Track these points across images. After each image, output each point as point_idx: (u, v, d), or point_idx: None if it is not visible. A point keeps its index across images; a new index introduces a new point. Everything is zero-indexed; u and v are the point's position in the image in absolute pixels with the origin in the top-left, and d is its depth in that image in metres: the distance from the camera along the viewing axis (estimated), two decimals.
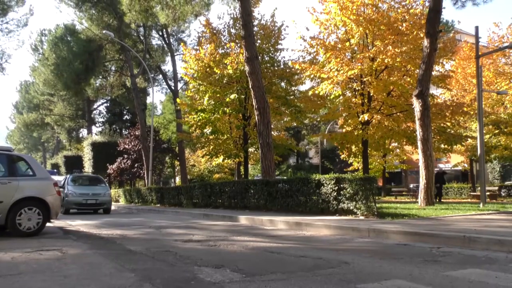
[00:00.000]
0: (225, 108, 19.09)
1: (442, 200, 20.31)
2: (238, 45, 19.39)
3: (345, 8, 18.14)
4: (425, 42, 13.16)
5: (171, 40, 33.53)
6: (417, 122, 13.42)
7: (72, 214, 16.69)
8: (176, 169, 45.09)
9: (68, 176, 18.69)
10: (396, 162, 33.73)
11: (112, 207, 19.41)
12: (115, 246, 6.42)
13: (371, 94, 19.34)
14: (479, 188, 18.94)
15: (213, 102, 19.49)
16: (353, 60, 18.73)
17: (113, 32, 25.69)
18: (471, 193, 26.40)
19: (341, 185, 10.28)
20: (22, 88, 59.76)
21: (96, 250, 5.87)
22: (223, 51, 20.45)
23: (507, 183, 32.92)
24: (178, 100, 23.37)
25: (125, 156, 31.40)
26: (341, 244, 6.51)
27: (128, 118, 45.89)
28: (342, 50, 19.14)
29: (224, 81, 19.47)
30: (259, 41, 19.41)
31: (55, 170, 30.18)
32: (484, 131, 20.60)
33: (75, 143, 48.17)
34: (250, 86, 14.59)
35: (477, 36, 15.47)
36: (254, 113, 15.58)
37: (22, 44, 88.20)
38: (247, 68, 14.41)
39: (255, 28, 19.07)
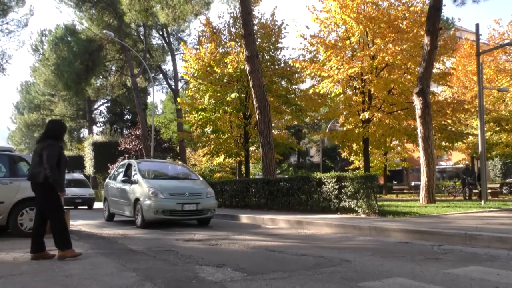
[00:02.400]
0: (226, 107, 19.08)
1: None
2: (239, 44, 19.38)
3: (345, 6, 18.12)
4: (426, 40, 13.13)
5: (171, 40, 33.53)
6: (418, 120, 13.40)
7: (72, 213, 16.63)
8: None
9: (132, 163, 11.13)
10: (397, 160, 33.70)
11: None
12: (116, 246, 6.43)
13: (372, 92, 19.32)
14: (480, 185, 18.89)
15: (213, 101, 19.48)
16: (354, 58, 18.70)
17: (113, 32, 25.68)
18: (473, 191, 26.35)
19: (342, 184, 10.28)
20: (23, 89, 59.76)
21: (97, 250, 5.88)
22: (223, 50, 20.45)
23: (508, 180, 32.87)
24: (178, 99, 23.36)
25: (126, 155, 31.35)
26: (343, 243, 6.52)
27: (129, 117, 45.90)
28: (343, 49, 19.11)
29: (225, 80, 19.46)
30: (259, 40, 19.40)
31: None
32: (485, 129, 20.56)
33: (76, 143, 48.16)
34: (251, 85, 14.59)
35: (477, 33, 15.43)
36: (254, 112, 15.58)
37: (22, 45, 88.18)
38: (247, 67, 14.40)
39: (255, 27, 19.05)
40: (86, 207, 21.88)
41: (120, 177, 11.12)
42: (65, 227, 5.03)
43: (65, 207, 17.03)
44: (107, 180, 12.60)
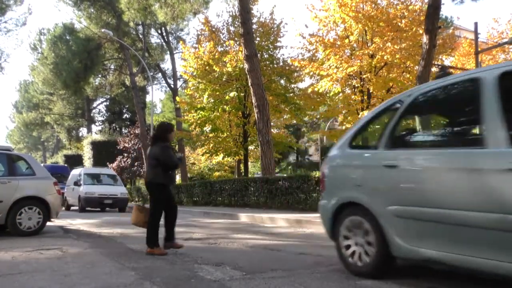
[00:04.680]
0: (225, 106, 19.08)
1: None
2: (237, 42, 19.36)
3: (344, 5, 18.11)
4: (424, 39, 13.12)
5: (170, 38, 33.48)
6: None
7: (72, 213, 16.64)
8: None
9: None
10: None
11: None
12: (115, 245, 6.43)
13: (371, 91, 19.32)
14: None
15: (212, 100, 19.48)
16: (353, 57, 18.70)
17: (112, 31, 25.65)
18: None
19: None
20: (22, 88, 59.67)
21: (96, 249, 5.87)
22: (222, 49, 20.43)
23: None
24: (177, 98, 23.37)
25: (125, 154, 31.37)
26: None
27: (127, 116, 45.85)
28: (341, 47, 19.11)
29: (224, 79, 19.45)
30: (258, 39, 19.38)
31: (66, 165, 28.50)
32: None
33: (75, 142, 48.10)
34: (250, 84, 14.58)
35: (476, 32, 15.46)
36: (253, 111, 15.58)
37: (21, 44, 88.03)
38: (246, 66, 14.39)
39: (254, 26, 19.04)
40: (116, 209, 17.78)
41: None
42: (156, 226, 5.37)
43: (87, 209, 16.07)
44: None
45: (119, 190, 17.83)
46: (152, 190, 5.49)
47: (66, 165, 28.67)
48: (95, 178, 18.62)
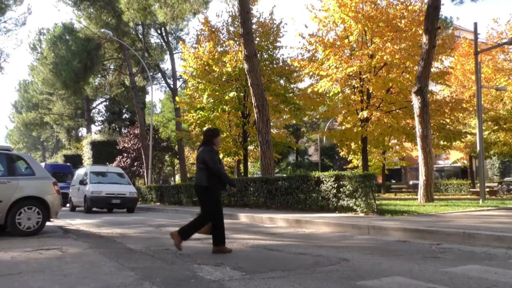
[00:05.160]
0: (224, 106, 19.08)
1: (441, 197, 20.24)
2: (237, 43, 19.37)
3: (343, 5, 18.14)
4: (424, 39, 13.15)
5: (170, 39, 33.46)
6: (416, 119, 13.42)
7: (76, 213, 16.61)
8: (175, 168, 45.12)
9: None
10: (395, 159, 33.78)
11: None
12: (115, 245, 6.42)
13: (370, 91, 19.34)
14: (478, 184, 18.96)
15: (212, 100, 19.49)
16: (352, 57, 18.72)
17: (111, 31, 25.64)
18: (471, 190, 26.44)
19: (341, 182, 10.29)
20: (21, 88, 59.65)
21: (96, 249, 5.87)
22: (222, 49, 20.44)
23: (506, 179, 32.95)
24: (177, 98, 23.37)
25: (125, 154, 31.37)
26: (341, 241, 6.52)
27: (127, 116, 45.86)
28: (341, 47, 19.12)
29: (223, 79, 19.46)
30: (258, 39, 19.39)
31: (69, 164, 27.25)
32: (483, 128, 20.61)
33: (74, 142, 48.08)
34: (249, 84, 14.58)
35: (476, 32, 15.45)
36: (253, 111, 15.58)
37: (20, 43, 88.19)
38: (246, 66, 14.39)
39: (254, 26, 19.04)
40: (125, 210, 16.76)
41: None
42: (223, 226, 5.49)
43: (94, 209, 15.53)
44: None
45: (128, 189, 16.64)
46: (197, 193, 5.65)
47: (69, 163, 28.27)
48: (102, 177, 17.36)
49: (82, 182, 16.84)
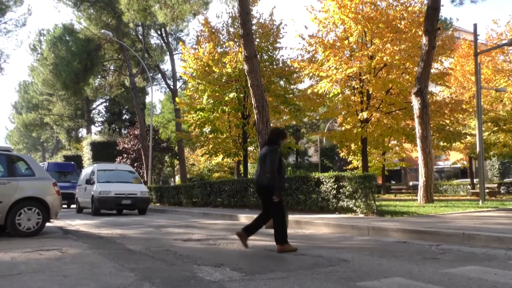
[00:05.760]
0: (224, 107, 19.07)
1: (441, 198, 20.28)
2: (237, 43, 19.37)
3: (343, 6, 18.14)
4: (424, 40, 13.15)
5: (170, 39, 33.50)
6: (416, 120, 13.42)
7: (71, 213, 16.55)
8: (175, 168, 45.09)
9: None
10: (395, 160, 33.76)
11: None
12: (114, 246, 6.42)
13: (370, 92, 19.34)
14: (478, 185, 18.96)
15: (212, 101, 19.47)
16: (352, 58, 18.72)
17: (111, 32, 25.65)
18: (470, 191, 26.44)
19: (341, 183, 10.29)
20: (21, 88, 59.68)
21: (95, 250, 5.87)
22: (222, 50, 20.43)
23: (506, 180, 32.95)
24: (177, 99, 23.35)
25: (125, 155, 31.36)
26: (341, 242, 6.52)
27: (127, 117, 45.86)
28: (341, 48, 19.13)
29: (223, 80, 19.45)
30: (257, 40, 19.38)
31: (73, 163, 26.11)
32: (483, 129, 20.62)
33: (74, 142, 48.07)
34: (249, 85, 14.56)
35: (475, 34, 15.47)
36: (253, 112, 15.55)
37: (20, 44, 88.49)
38: (246, 67, 14.37)
39: (254, 27, 19.05)
40: (136, 211, 15.51)
41: None
42: (283, 225, 5.52)
43: (102, 211, 14.73)
44: None
45: (139, 188, 15.34)
46: (258, 191, 5.77)
47: (72, 162, 27.79)
48: (111, 175, 15.93)
49: (89, 182, 15.65)
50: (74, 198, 18.14)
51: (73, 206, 18.34)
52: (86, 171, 17.69)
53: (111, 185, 14.92)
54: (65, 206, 20.62)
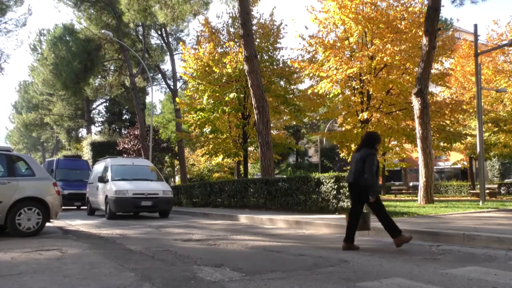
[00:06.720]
0: (225, 107, 19.07)
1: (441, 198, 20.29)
2: (237, 44, 19.37)
3: (344, 7, 18.13)
4: (424, 40, 13.15)
5: (170, 40, 33.50)
6: (416, 120, 13.42)
7: (71, 214, 16.47)
8: (175, 169, 45.07)
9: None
10: (395, 160, 33.71)
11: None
12: (114, 246, 6.42)
13: (370, 93, 19.33)
14: (478, 186, 18.95)
15: (212, 101, 19.47)
16: (352, 59, 18.71)
17: (112, 32, 25.65)
18: (471, 191, 26.42)
19: (341, 184, 10.29)
20: (21, 88, 59.66)
21: (95, 250, 5.87)
22: (222, 50, 20.44)
23: (506, 181, 32.93)
24: (177, 99, 23.35)
25: (125, 155, 31.34)
26: (341, 243, 6.51)
27: (127, 117, 45.85)
28: (341, 49, 19.12)
29: (223, 80, 19.46)
30: (258, 40, 19.39)
31: (86, 159, 23.51)
32: (484, 129, 20.61)
33: (74, 142, 48.06)
34: (249, 85, 14.58)
35: (476, 34, 15.46)
36: (253, 112, 15.57)
37: (21, 44, 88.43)
38: (246, 67, 14.40)
39: (254, 27, 19.06)
40: (157, 213, 13.56)
41: None
42: (390, 219, 5.71)
43: (118, 214, 12.65)
44: None
45: (161, 186, 13.25)
46: (354, 191, 5.87)
47: (85, 159, 25.71)
48: (127, 172, 13.70)
49: (102, 179, 13.64)
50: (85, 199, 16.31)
51: (84, 207, 16.74)
52: (98, 166, 15.53)
53: (128, 184, 12.82)
54: (74, 208, 18.76)
